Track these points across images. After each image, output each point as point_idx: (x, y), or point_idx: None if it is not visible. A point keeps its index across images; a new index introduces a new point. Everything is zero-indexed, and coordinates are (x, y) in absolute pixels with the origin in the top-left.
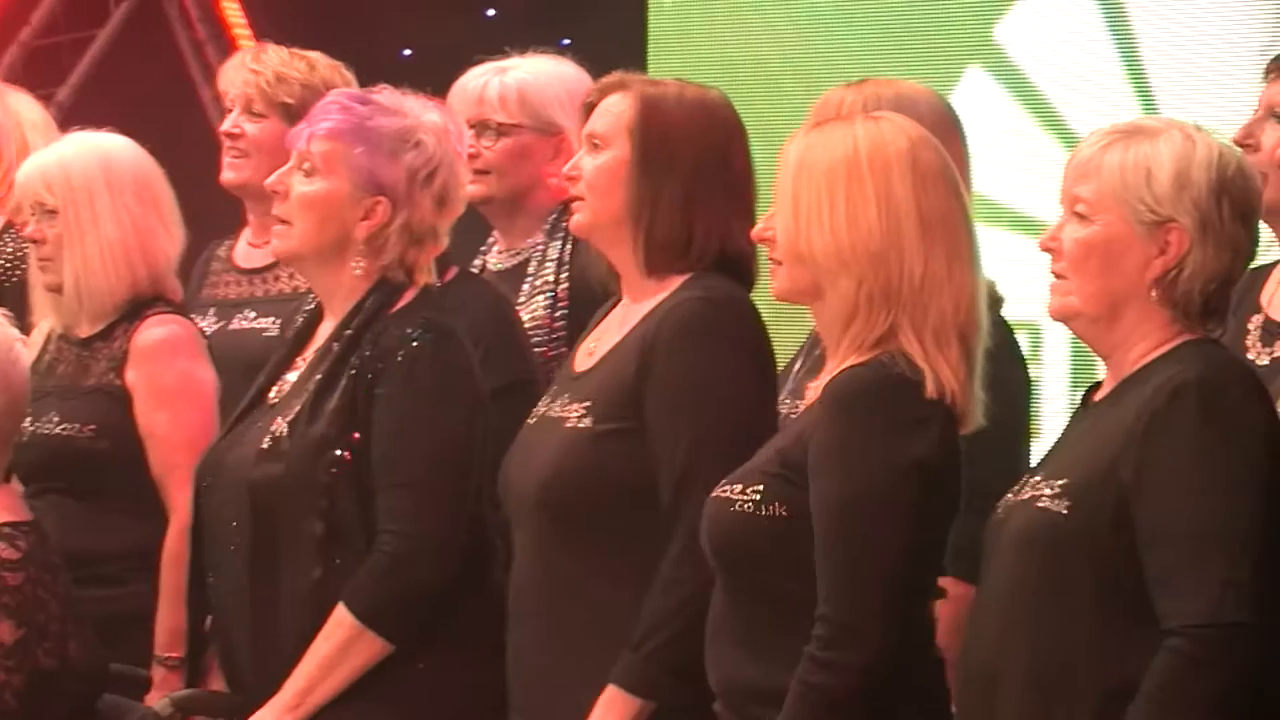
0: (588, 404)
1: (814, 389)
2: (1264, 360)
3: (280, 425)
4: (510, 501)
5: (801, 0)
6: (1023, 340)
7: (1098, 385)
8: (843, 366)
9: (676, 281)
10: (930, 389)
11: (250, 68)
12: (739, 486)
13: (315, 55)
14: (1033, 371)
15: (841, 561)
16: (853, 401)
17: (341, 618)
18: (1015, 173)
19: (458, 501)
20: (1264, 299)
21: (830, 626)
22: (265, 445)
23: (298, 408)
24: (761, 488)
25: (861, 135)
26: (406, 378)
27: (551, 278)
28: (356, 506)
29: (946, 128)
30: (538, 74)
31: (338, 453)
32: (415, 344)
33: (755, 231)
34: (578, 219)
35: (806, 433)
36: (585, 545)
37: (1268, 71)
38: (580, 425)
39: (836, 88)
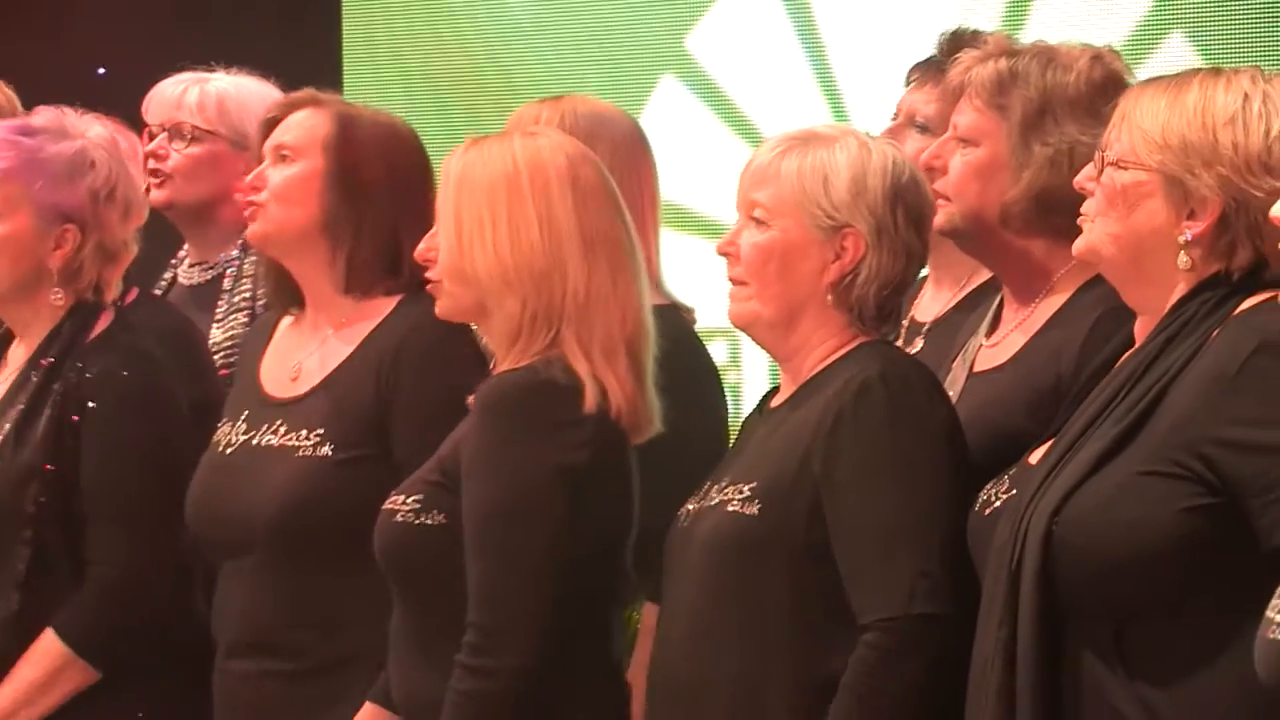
0: (320, 431)
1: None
2: None
3: None
4: (221, 530)
5: (497, 13)
6: (722, 347)
7: (774, 391)
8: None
9: (386, 303)
10: (590, 400)
11: None
12: (402, 497)
13: None
14: (732, 378)
15: (488, 567)
16: (499, 407)
17: (50, 645)
18: (711, 180)
19: (166, 531)
20: (914, 304)
21: (479, 633)
22: None
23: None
24: (421, 497)
25: (520, 153)
26: (113, 408)
27: (250, 293)
28: (63, 536)
29: (638, 146)
30: (239, 87)
31: (43, 482)
32: (121, 373)
33: (419, 251)
34: (255, 228)
35: (460, 441)
36: (321, 571)
37: (908, 78)
38: (318, 454)
39: (532, 103)
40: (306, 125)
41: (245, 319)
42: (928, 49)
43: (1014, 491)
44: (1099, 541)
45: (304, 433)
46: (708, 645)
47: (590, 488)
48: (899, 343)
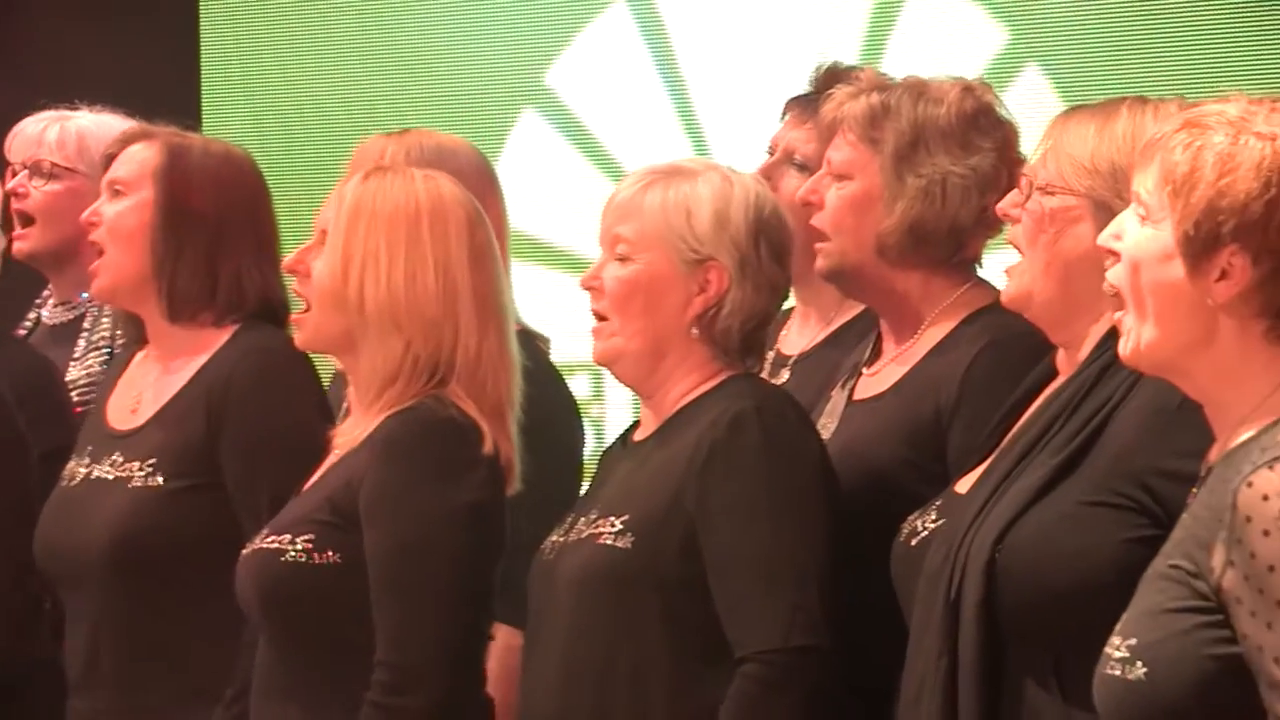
0: (153, 462)
1: (343, 436)
2: None
3: None
4: (59, 564)
5: (358, 46)
6: (584, 381)
7: (636, 426)
8: (391, 412)
9: (216, 333)
10: (487, 440)
11: None
12: (288, 536)
13: None
14: (596, 411)
15: (399, 606)
16: (403, 447)
17: None
18: (572, 215)
19: (18, 571)
20: (780, 337)
21: (391, 672)
22: None
23: None
24: (313, 536)
25: (423, 194)
26: None
27: (109, 332)
28: None
29: (485, 180)
30: (100, 124)
31: None
32: None
33: (287, 262)
34: (97, 284)
35: (355, 479)
36: (161, 602)
37: (784, 113)
38: (150, 484)
39: (377, 136)
40: (138, 159)
41: (104, 358)
42: (786, 82)
43: (943, 521)
44: (1042, 570)
45: (137, 464)
46: (582, 680)
47: (489, 524)
48: (763, 375)
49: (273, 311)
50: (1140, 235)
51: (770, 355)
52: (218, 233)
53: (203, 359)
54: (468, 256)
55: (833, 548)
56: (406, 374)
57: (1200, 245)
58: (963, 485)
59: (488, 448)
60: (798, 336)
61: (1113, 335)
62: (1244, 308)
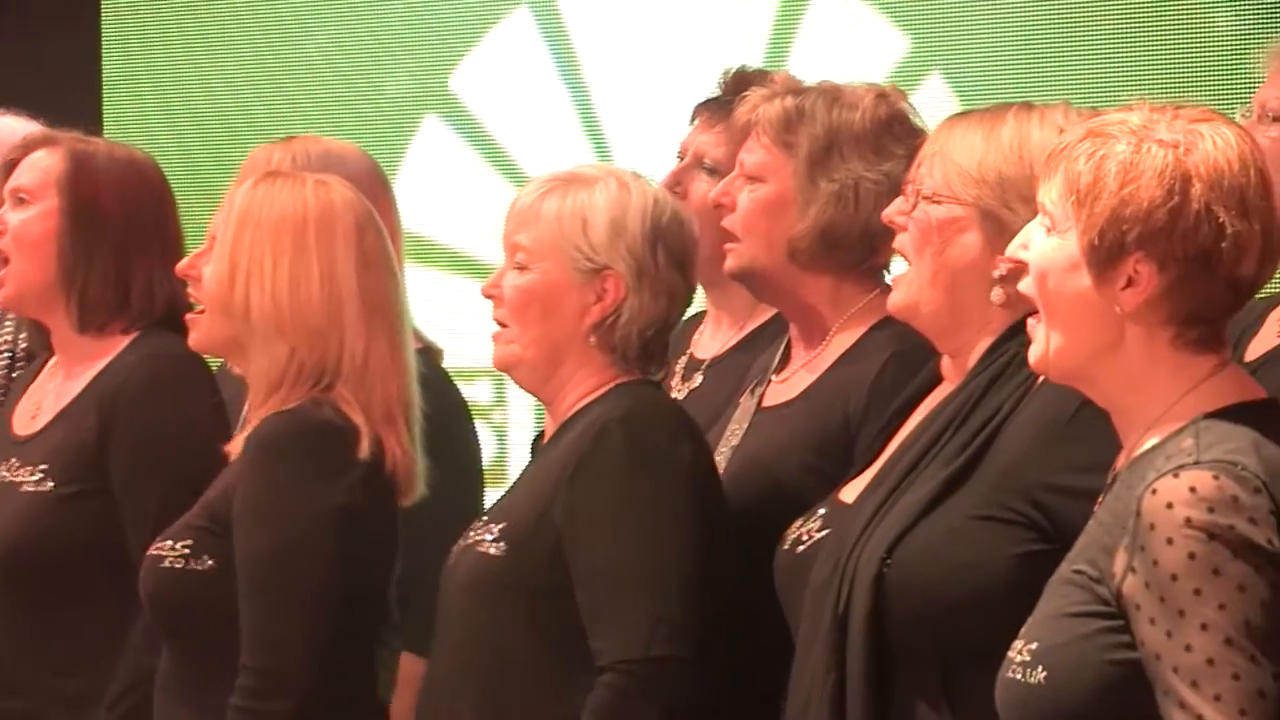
0: (44, 467)
1: (237, 442)
2: (683, 393)
3: None
4: None
5: (260, 51)
6: (487, 387)
7: (544, 433)
8: (266, 415)
9: (120, 340)
10: (364, 444)
11: None
12: (170, 542)
13: None
14: (499, 417)
15: (265, 610)
16: (274, 449)
17: None
18: (477, 221)
19: None
20: (694, 341)
21: (255, 675)
22: None
23: None
24: (190, 542)
25: (312, 201)
26: None
27: (11, 336)
28: None
29: (376, 185)
30: (2, 127)
31: None
32: None
33: (180, 267)
34: (4, 292)
35: (231, 485)
36: (49, 608)
37: (693, 118)
38: (40, 489)
39: (264, 145)
40: (41, 165)
41: (4, 361)
42: (690, 87)
43: (829, 530)
44: (931, 585)
45: (30, 469)
46: (459, 685)
47: (361, 529)
48: (678, 379)
49: (178, 318)
50: (1046, 245)
51: (683, 359)
52: (126, 239)
53: (101, 365)
54: (356, 262)
55: (703, 557)
56: (291, 379)
57: (1106, 254)
58: (848, 493)
59: (363, 452)
60: (710, 340)
61: (1002, 343)
62: (1151, 315)
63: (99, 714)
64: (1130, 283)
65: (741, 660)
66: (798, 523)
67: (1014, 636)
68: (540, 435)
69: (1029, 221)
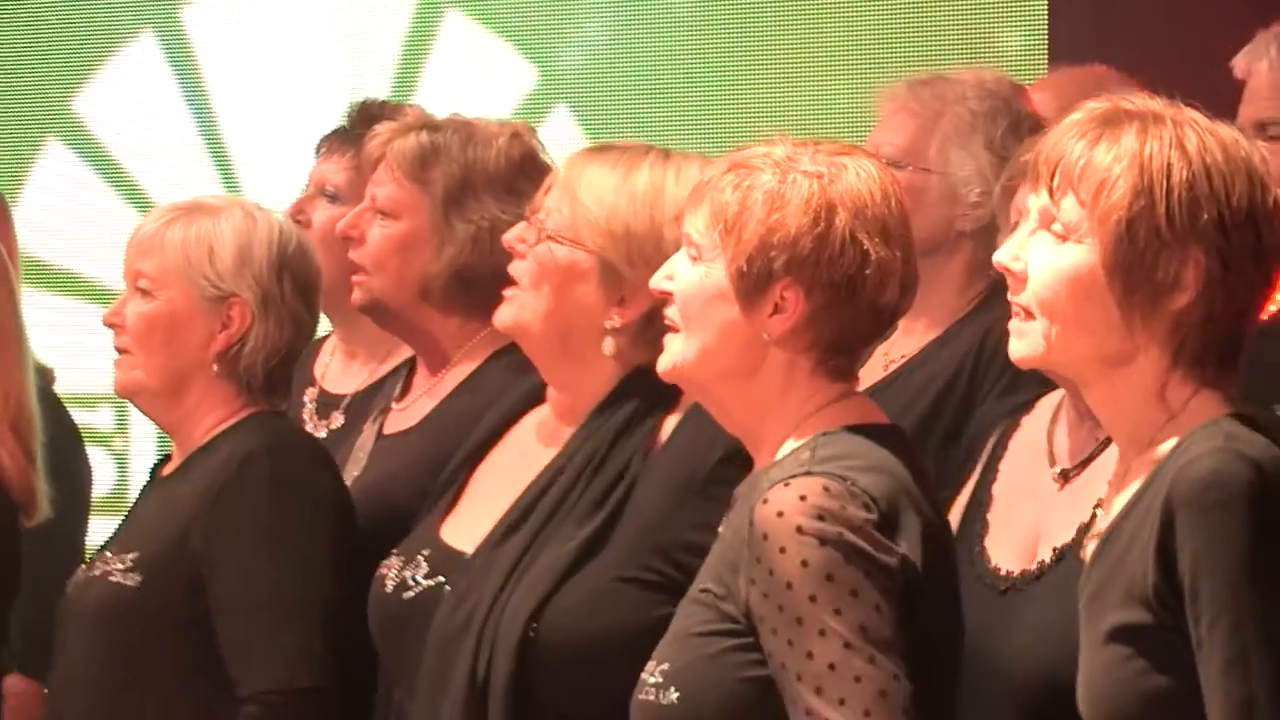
0: None
1: None
2: (323, 432)
3: None
4: None
5: None
6: (109, 414)
7: (166, 459)
8: None
9: None
10: None
11: None
12: None
13: None
14: (121, 444)
15: None
16: None
17: None
18: (99, 246)
19: None
20: (317, 372)
21: None
22: None
23: None
24: None
25: None
26: None
27: None
28: None
29: None
30: None
31: None
32: None
33: None
34: None
35: None
36: None
37: (318, 149)
38: None
39: None
40: None
41: None
42: (317, 116)
43: (444, 580)
44: (580, 648)
45: None
46: (90, 718)
47: None
48: (309, 412)
49: None
50: (693, 274)
51: (312, 391)
52: None
53: None
54: None
55: (341, 587)
56: None
57: (754, 280)
58: (453, 534)
59: None
60: (343, 375)
61: (622, 393)
62: (796, 341)
63: None
64: (777, 309)
65: (379, 691)
66: (394, 561)
67: None
68: (161, 463)
69: (646, 280)
